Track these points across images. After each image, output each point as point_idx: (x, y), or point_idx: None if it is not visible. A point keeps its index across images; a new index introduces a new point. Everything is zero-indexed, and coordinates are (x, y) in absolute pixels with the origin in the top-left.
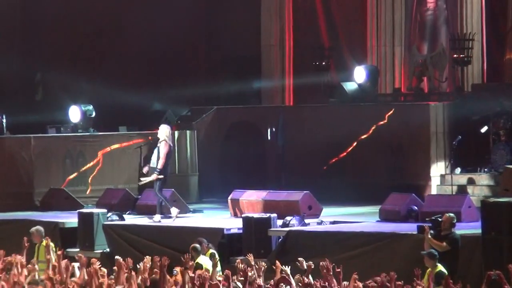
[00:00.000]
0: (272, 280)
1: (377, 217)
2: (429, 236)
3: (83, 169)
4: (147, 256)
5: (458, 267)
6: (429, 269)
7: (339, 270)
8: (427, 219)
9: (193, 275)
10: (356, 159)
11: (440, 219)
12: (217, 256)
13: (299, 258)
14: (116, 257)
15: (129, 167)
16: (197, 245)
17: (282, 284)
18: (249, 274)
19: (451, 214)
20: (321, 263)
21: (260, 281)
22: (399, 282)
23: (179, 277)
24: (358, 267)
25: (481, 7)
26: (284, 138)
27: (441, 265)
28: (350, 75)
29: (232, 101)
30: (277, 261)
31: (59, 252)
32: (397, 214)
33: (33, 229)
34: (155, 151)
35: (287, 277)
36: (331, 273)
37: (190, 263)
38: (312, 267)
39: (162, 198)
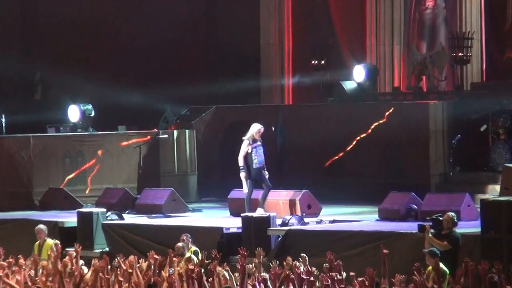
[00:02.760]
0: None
1: (377, 216)
2: (430, 235)
3: (82, 168)
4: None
5: (458, 266)
6: (430, 267)
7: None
8: (427, 218)
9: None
10: (355, 158)
11: (440, 218)
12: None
13: (302, 254)
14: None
15: (128, 166)
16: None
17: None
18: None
19: (453, 214)
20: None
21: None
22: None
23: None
24: (358, 266)
25: (481, 5)
26: (283, 137)
27: (442, 264)
28: (349, 74)
29: (231, 100)
30: (288, 257)
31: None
32: (396, 213)
33: (42, 226)
34: (260, 149)
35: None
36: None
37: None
38: (316, 272)
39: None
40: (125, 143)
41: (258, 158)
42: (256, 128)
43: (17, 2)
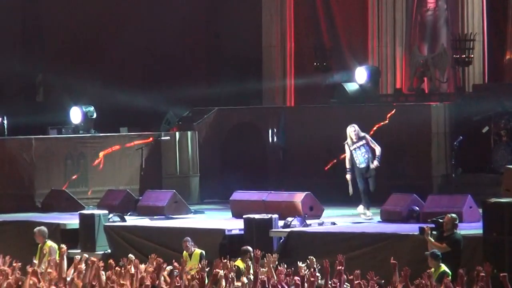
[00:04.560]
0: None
1: (379, 217)
2: (430, 238)
3: (84, 170)
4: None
5: (459, 268)
6: (432, 269)
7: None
8: (429, 220)
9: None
10: None
11: (441, 220)
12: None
13: (310, 257)
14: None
15: (130, 168)
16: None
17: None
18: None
19: (453, 215)
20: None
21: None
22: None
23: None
24: (359, 268)
25: (482, 7)
26: (285, 138)
27: (444, 265)
28: (351, 75)
29: (233, 102)
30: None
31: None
32: (398, 215)
33: (37, 229)
34: (362, 149)
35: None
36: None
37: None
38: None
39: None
40: (117, 147)
41: (358, 159)
42: (348, 131)
43: (19, 4)
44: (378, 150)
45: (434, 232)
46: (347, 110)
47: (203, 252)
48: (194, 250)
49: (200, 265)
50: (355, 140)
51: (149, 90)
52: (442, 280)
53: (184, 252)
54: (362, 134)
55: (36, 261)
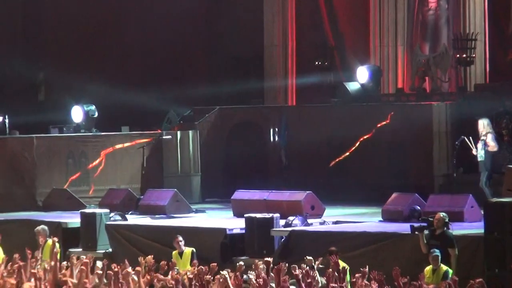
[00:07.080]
0: None
1: (380, 217)
2: (423, 239)
3: (85, 169)
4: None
5: (451, 263)
6: (429, 267)
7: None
8: (419, 218)
9: None
10: (358, 159)
11: (431, 219)
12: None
13: (307, 257)
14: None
15: (132, 167)
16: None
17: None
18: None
19: (443, 214)
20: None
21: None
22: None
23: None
24: (361, 267)
25: (484, 7)
26: (286, 138)
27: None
28: (352, 75)
29: (234, 101)
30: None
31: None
32: (399, 214)
33: (37, 228)
34: (480, 143)
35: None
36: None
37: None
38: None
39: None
40: (118, 146)
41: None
42: (479, 121)
43: (20, 3)
44: (475, 150)
45: (426, 231)
46: (349, 110)
47: (194, 249)
48: (185, 249)
49: (192, 267)
50: (480, 132)
51: (150, 89)
52: (446, 278)
53: (174, 252)
54: (486, 132)
55: (38, 255)
